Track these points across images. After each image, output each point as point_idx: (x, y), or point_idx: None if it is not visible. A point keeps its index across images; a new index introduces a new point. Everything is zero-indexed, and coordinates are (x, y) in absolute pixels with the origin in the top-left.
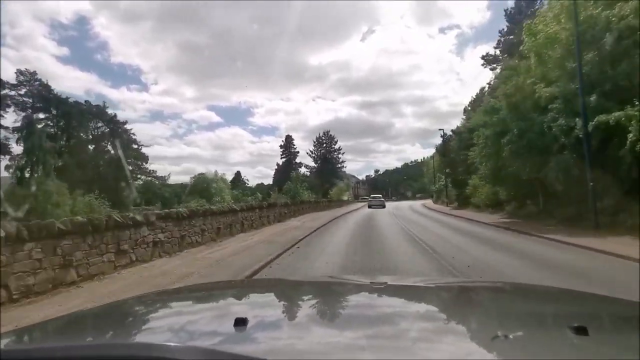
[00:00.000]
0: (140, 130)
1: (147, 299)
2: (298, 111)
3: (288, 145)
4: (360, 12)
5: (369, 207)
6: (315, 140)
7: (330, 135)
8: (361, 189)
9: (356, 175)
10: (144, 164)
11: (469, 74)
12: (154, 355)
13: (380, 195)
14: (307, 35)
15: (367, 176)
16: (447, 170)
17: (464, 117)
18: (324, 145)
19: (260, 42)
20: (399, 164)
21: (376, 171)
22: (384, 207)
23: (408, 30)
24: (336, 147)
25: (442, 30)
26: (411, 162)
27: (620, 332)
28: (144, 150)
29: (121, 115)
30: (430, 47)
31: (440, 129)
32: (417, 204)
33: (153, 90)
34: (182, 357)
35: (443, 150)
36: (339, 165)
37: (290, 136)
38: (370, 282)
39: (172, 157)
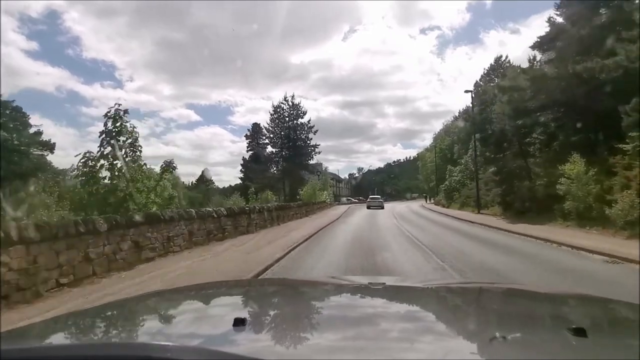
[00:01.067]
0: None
1: (146, 299)
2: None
3: (255, 136)
4: (342, 11)
5: (368, 207)
6: (272, 110)
7: (296, 103)
8: (344, 188)
9: (338, 174)
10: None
11: (449, 75)
12: (153, 356)
13: (379, 197)
14: (289, 33)
15: (350, 174)
16: (475, 147)
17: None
18: (287, 119)
19: (241, 40)
20: (381, 164)
21: (359, 169)
22: (382, 207)
23: (389, 30)
24: (305, 121)
25: (422, 31)
26: (394, 161)
27: (619, 333)
28: None
29: (94, 113)
30: (411, 48)
31: (467, 91)
32: (415, 206)
33: (128, 87)
34: (180, 357)
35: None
36: (310, 149)
37: (258, 124)
38: (369, 283)
39: (149, 157)
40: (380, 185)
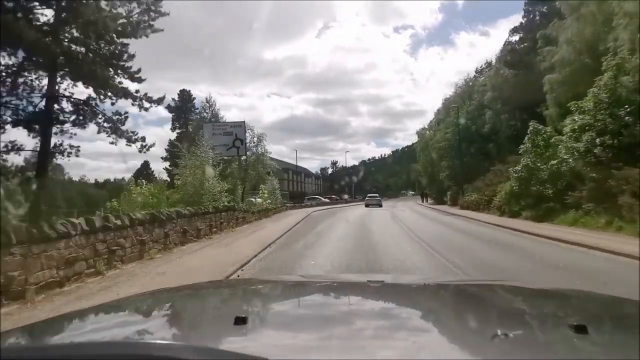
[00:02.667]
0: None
1: (146, 298)
2: (252, 107)
3: (185, 109)
4: (316, 7)
5: (366, 206)
6: None
7: None
8: (313, 184)
9: (308, 169)
10: None
11: (422, 75)
12: (154, 354)
13: (377, 195)
14: (262, 29)
15: (322, 169)
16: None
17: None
18: None
19: (212, 33)
20: (355, 162)
21: (333, 163)
22: (380, 206)
23: (363, 28)
24: None
25: (396, 30)
26: (369, 159)
27: (620, 330)
28: None
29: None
30: (385, 46)
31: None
32: (429, 212)
33: None
34: (182, 356)
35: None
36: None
37: (187, 90)
38: (367, 281)
39: (116, 154)
40: (359, 184)
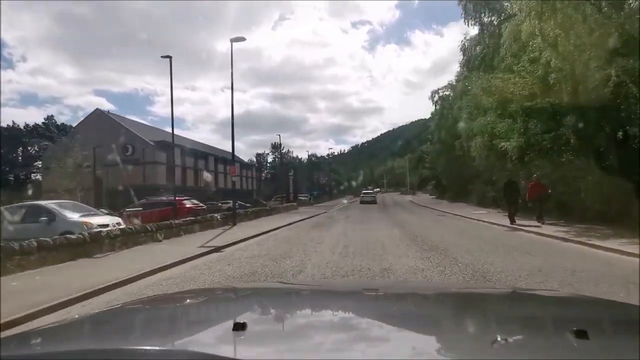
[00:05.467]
0: (10, 116)
1: (145, 304)
2: (206, 101)
3: None
4: None
5: (361, 202)
6: None
7: None
8: (250, 179)
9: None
10: None
11: (379, 72)
12: None
13: (371, 191)
14: (214, 18)
15: (257, 155)
16: None
17: None
18: None
19: (159, 21)
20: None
21: (275, 146)
22: (375, 202)
23: (321, 22)
24: None
25: (354, 25)
26: (328, 155)
27: (621, 336)
28: None
29: None
30: (343, 42)
31: None
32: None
33: (21, 69)
34: None
35: None
36: None
37: None
38: (363, 289)
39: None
40: (312, 179)
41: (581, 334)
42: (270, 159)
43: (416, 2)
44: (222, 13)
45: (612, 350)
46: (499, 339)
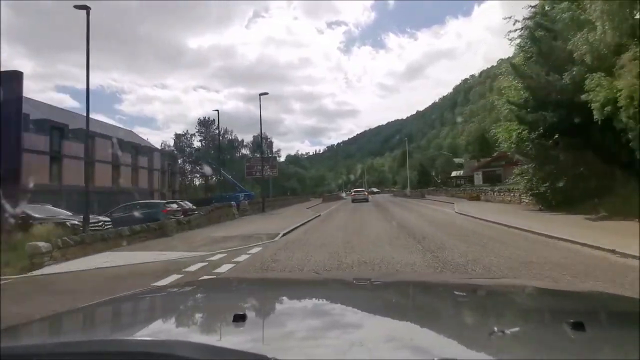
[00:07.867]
0: None
1: (145, 296)
2: (177, 100)
3: None
4: None
5: (353, 201)
6: None
7: None
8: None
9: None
10: None
11: (354, 74)
12: (153, 352)
13: (363, 189)
14: (184, 12)
15: (177, 135)
16: None
17: None
18: None
19: (127, 14)
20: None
21: (203, 121)
22: (367, 201)
23: (296, 21)
24: None
25: (330, 25)
26: (302, 154)
27: (618, 328)
28: None
29: None
30: (318, 42)
31: None
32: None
33: None
34: (180, 353)
35: None
36: None
37: None
38: (354, 279)
39: None
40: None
41: (578, 326)
42: (197, 142)
43: (391, 2)
44: (192, 7)
45: (608, 341)
46: (495, 330)
